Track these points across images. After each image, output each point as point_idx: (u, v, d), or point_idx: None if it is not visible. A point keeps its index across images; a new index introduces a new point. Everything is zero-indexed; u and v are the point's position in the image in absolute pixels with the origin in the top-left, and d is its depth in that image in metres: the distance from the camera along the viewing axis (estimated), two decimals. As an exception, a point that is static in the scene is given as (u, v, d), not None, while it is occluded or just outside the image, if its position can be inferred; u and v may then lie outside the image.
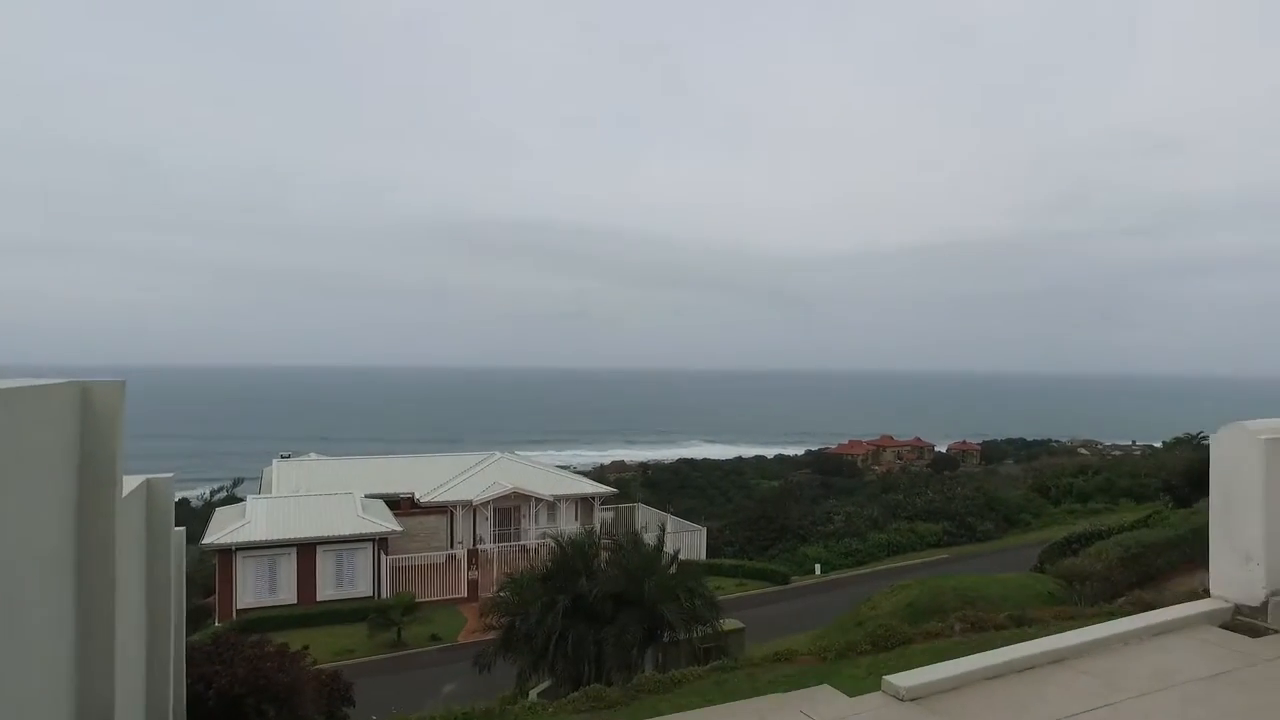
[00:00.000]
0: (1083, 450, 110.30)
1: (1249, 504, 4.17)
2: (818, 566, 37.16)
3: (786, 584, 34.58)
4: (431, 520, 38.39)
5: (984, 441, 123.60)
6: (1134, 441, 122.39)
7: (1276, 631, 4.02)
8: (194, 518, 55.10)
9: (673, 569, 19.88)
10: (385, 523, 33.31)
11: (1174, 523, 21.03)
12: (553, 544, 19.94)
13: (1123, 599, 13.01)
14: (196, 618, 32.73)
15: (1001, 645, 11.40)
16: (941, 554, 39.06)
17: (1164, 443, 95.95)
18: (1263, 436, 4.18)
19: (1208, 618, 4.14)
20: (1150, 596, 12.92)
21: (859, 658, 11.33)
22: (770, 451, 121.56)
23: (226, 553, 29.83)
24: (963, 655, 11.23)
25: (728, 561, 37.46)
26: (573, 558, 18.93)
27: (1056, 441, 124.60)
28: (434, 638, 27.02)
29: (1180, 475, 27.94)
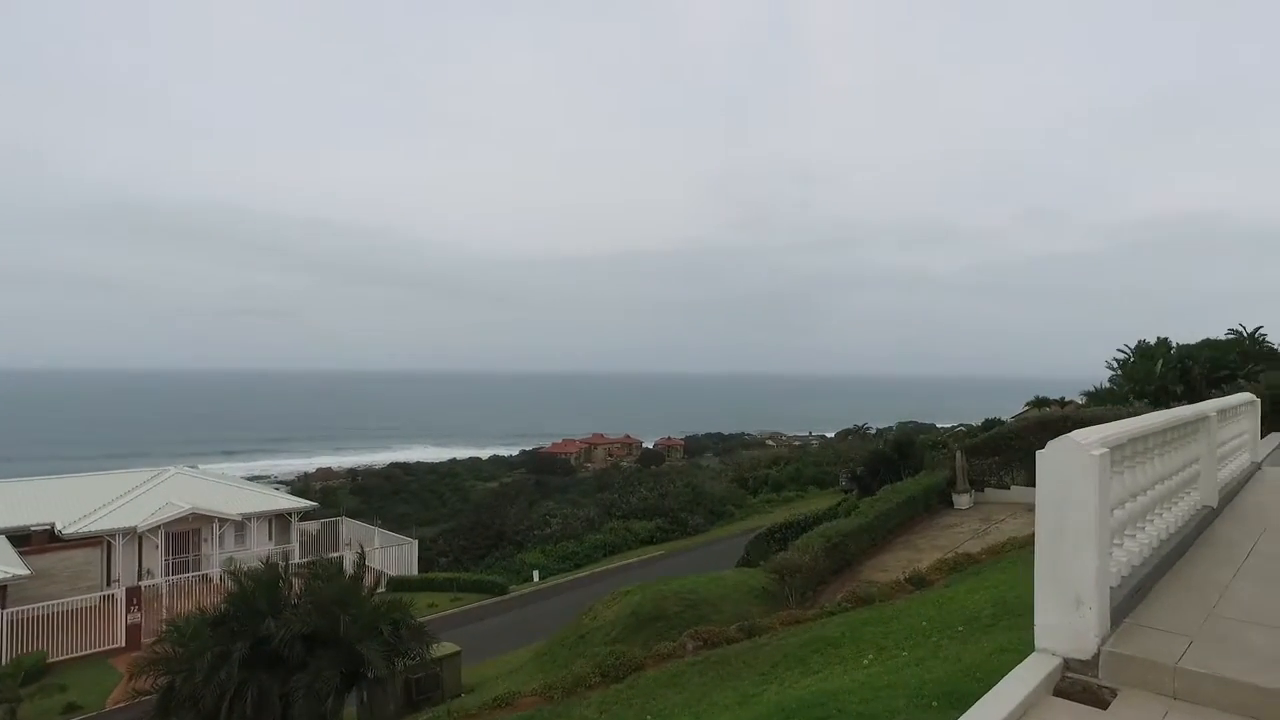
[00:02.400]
0: (770, 442, 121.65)
1: (1081, 534, 3.52)
2: (536, 573, 36.21)
3: (505, 594, 33.14)
4: (80, 555, 31.74)
5: (687, 437, 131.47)
6: (810, 433, 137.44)
7: (1114, 691, 3.35)
8: None
9: (377, 595, 17.65)
10: (2, 565, 26.72)
11: (863, 510, 22.68)
12: (230, 579, 16.73)
13: (841, 596, 13.35)
14: None
15: (736, 661, 11.07)
16: (657, 550, 39.96)
17: (836, 433, 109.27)
18: (1095, 451, 3.54)
19: (1045, 684, 3.39)
20: (861, 590, 13.42)
21: (589, 693, 10.28)
22: (485, 452, 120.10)
23: None
24: (697, 677, 10.70)
25: (442, 575, 35.24)
26: (255, 594, 15.97)
27: (749, 435, 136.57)
28: (71, 708, 21.64)
29: (864, 464, 30.71)
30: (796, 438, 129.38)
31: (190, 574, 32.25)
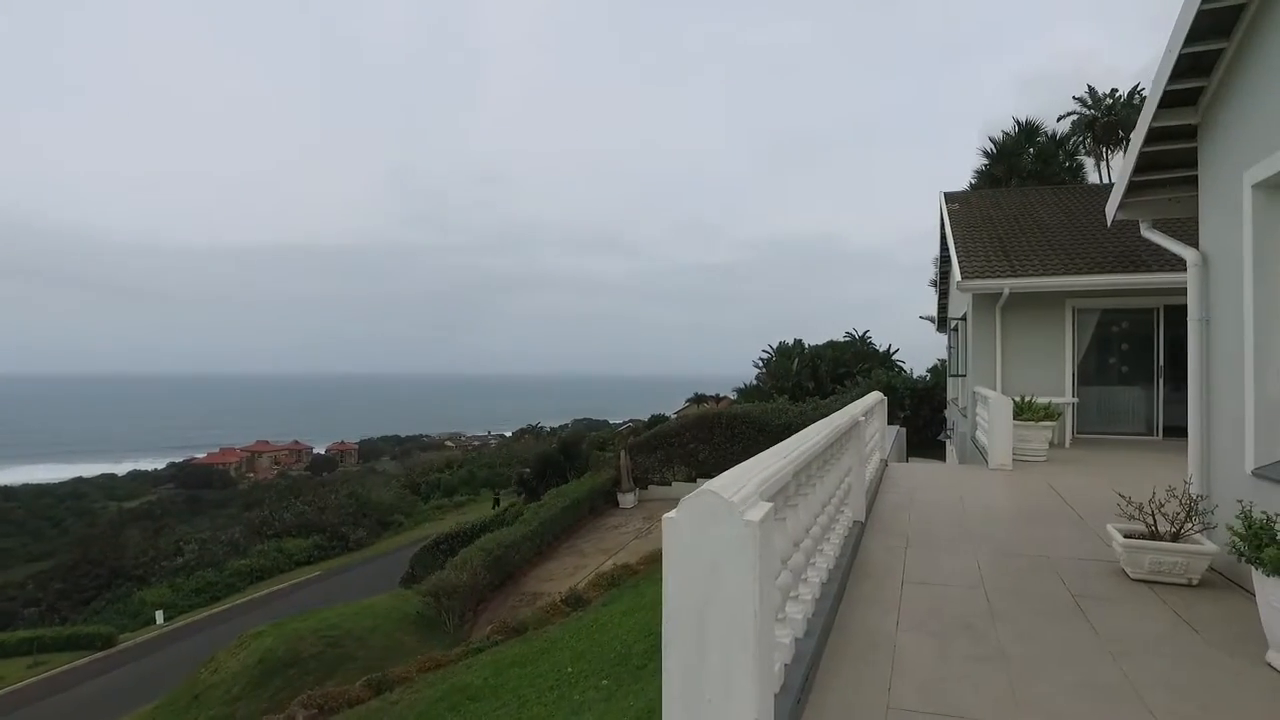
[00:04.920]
0: (449, 444, 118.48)
1: (734, 647, 2.22)
2: (159, 614, 30.47)
3: (112, 646, 27.37)
4: None
5: (361, 440, 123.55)
6: (489, 432, 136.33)
7: None
8: None
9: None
10: None
11: (527, 518, 21.65)
12: None
13: (491, 628, 11.88)
14: None
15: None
16: (314, 571, 35.92)
17: (513, 433, 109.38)
18: (753, 515, 2.25)
19: None
20: (513, 618, 12.11)
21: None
22: (122, 468, 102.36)
23: None
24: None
25: (19, 635, 28.20)
26: None
27: (428, 436, 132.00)
28: None
29: (531, 466, 29.75)
30: (476, 438, 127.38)
31: None
